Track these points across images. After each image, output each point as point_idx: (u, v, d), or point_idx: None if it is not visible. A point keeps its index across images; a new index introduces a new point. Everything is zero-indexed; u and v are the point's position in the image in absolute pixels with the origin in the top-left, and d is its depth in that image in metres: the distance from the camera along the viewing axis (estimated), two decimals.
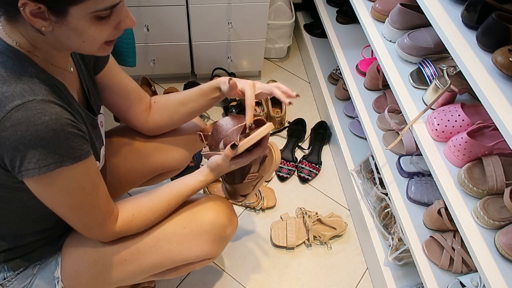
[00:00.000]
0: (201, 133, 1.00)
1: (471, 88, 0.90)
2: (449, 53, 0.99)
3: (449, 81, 1.12)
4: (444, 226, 1.17)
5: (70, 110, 0.74)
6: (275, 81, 2.00)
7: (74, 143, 0.72)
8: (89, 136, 0.81)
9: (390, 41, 1.38)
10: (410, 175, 1.32)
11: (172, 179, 1.61)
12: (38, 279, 0.91)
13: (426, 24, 1.22)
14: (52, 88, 0.73)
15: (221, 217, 0.97)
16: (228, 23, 1.74)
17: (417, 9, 1.22)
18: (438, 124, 1.12)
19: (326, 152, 1.81)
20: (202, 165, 1.57)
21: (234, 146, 0.87)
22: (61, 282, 0.91)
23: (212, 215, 0.97)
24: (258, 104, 1.87)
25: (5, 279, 0.89)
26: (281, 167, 1.70)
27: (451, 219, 1.15)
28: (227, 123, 0.95)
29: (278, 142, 1.82)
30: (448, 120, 1.12)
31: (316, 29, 2.14)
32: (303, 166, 1.71)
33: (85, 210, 0.80)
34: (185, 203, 0.99)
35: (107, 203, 0.84)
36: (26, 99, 0.66)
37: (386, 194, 1.40)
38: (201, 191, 1.62)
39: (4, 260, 0.88)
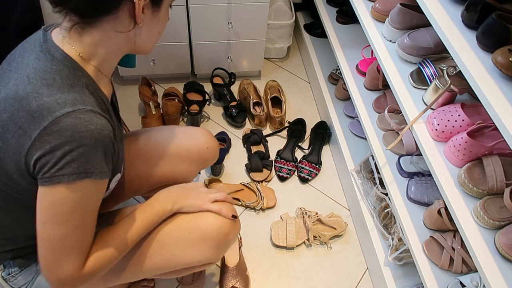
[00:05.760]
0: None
1: (471, 88, 0.90)
2: (449, 53, 0.99)
3: (449, 81, 1.12)
4: (444, 226, 1.17)
5: (112, 123, 0.75)
6: (275, 81, 1.99)
7: (107, 158, 0.73)
8: (116, 157, 0.80)
9: (390, 41, 1.38)
10: (410, 175, 1.32)
11: None
12: (41, 276, 0.91)
13: (426, 24, 1.22)
14: (98, 101, 0.75)
15: (225, 223, 0.96)
16: (228, 23, 1.74)
17: (417, 9, 1.22)
18: (438, 124, 1.12)
19: (326, 152, 1.81)
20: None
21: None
22: None
23: (216, 221, 0.96)
24: (258, 104, 1.87)
25: (9, 274, 0.90)
26: (281, 167, 1.70)
27: (451, 219, 1.15)
28: None
29: (278, 142, 1.82)
30: (448, 120, 1.12)
31: (316, 29, 2.14)
32: (303, 166, 1.71)
33: (77, 231, 0.74)
34: None
35: (92, 235, 0.79)
36: (76, 108, 0.68)
37: (386, 194, 1.40)
38: None
39: (12, 257, 0.89)
